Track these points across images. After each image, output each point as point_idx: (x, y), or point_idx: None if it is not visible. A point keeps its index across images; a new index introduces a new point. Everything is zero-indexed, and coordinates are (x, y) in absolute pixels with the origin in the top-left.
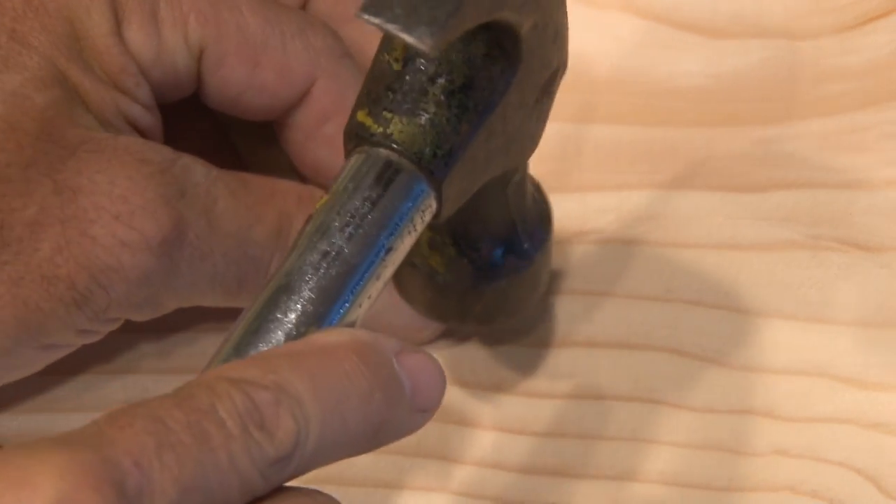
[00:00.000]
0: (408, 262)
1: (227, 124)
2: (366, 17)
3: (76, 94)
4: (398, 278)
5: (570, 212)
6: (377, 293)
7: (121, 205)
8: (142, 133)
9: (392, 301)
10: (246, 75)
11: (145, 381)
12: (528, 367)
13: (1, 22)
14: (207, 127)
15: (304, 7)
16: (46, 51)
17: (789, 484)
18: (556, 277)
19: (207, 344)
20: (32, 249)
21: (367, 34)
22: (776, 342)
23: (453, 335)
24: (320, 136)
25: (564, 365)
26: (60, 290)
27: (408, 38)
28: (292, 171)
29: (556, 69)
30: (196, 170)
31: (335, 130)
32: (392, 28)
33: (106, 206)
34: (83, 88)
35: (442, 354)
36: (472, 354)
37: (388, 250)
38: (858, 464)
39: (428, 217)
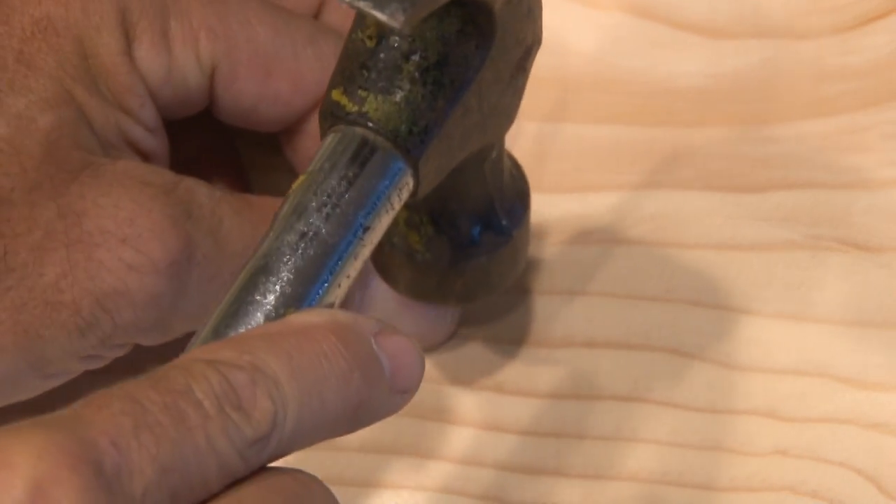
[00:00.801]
0: (387, 242)
1: (232, 135)
2: None
3: (82, 113)
4: (378, 260)
5: (570, 212)
6: (356, 273)
7: (127, 227)
8: (143, 156)
9: (396, 309)
10: (259, 87)
11: None
12: (527, 367)
13: (8, 44)
14: (213, 138)
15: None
16: (53, 71)
17: (789, 484)
18: (555, 277)
19: None
20: (37, 275)
21: None
22: (776, 342)
23: (453, 336)
24: None
25: (564, 365)
26: (63, 317)
27: (379, 16)
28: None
29: (530, 45)
30: (199, 191)
31: None
32: (363, 5)
33: (111, 230)
34: (88, 108)
35: (442, 355)
36: (472, 355)
37: (366, 229)
38: (858, 464)
39: (405, 195)
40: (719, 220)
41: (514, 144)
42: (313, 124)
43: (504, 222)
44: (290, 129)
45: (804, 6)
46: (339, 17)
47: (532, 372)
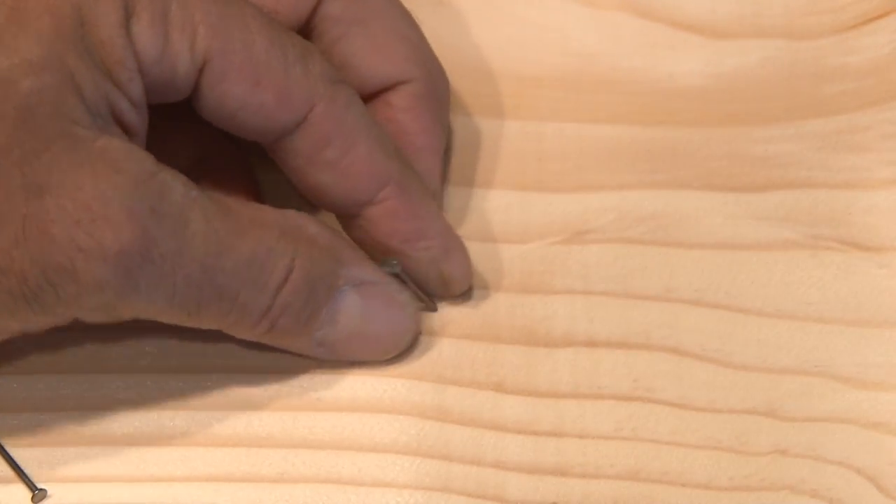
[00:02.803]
0: None
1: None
2: None
3: (71, 80)
4: None
5: (570, 212)
6: None
7: (83, 211)
8: (125, 129)
9: (360, 324)
10: (245, 93)
11: (145, 380)
12: (527, 366)
13: (2, 0)
14: (220, 139)
15: (314, 10)
16: (46, 34)
17: (789, 484)
18: (555, 277)
19: (208, 343)
20: None
21: (375, 41)
22: (776, 342)
23: (453, 334)
24: (321, 160)
25: (564, 365)
26: (10, 283)
27: None
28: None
29: None
30: (174, 188)
31: (336, 155)
32: None
33: (68, 209)
34: (79, 74)
35: (442, 353)
36: (472, 354)
37: None
38: (858, 463)
39: None
40: (719, 219)
41: (515, 144)
42: (301, 141)
43: None
44: (278, 147)
45: (804, 6)
46: (338, 10)
47: (532, 372)
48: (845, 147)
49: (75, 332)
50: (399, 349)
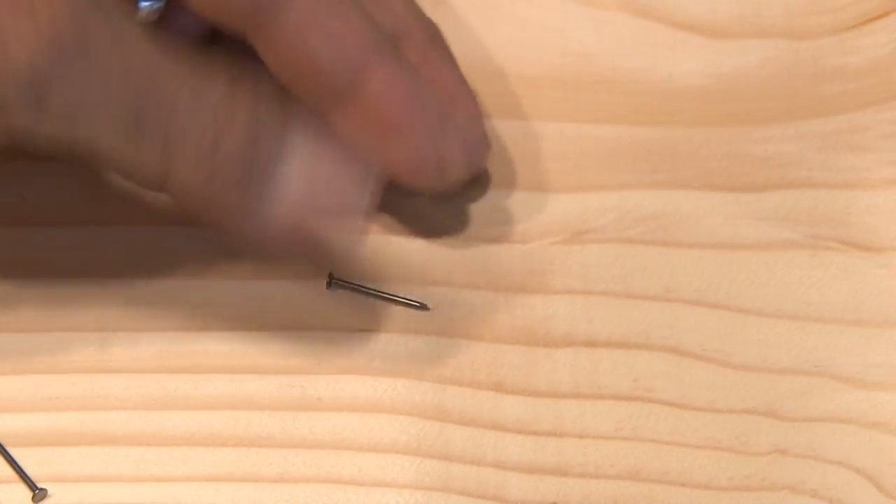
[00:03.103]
0: None
1: None
2: None
3: None
4: None
5: (570, 212)
6: None
7: None
8: None
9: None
10: None
11: (146, 380)
12: (527, 366)
13: None
14: None
15: None
16: None
17: (789, 484)
18: (555, 277)
19: (209, 343)
20: None
21: None
22: (776, 342)
23: (453, 334)
24: (312, 26)
25: (564, 364)
26: None
27: None
28: None
29: None
30: (118, 9)
31: (326, 17)
32: None
33: None
34: None
35: (441, 353)
36: (472, 354)
37: None
38: (858, 463)
39: None
40: (719, 219)
41: (515, 144)
42: (289, 14)
43: None
44: (263, 29)
45: (804, 6)
46: None
47: (532, 372)
48: (845, 147)
49: (76, 332)
50: (348, 220)
